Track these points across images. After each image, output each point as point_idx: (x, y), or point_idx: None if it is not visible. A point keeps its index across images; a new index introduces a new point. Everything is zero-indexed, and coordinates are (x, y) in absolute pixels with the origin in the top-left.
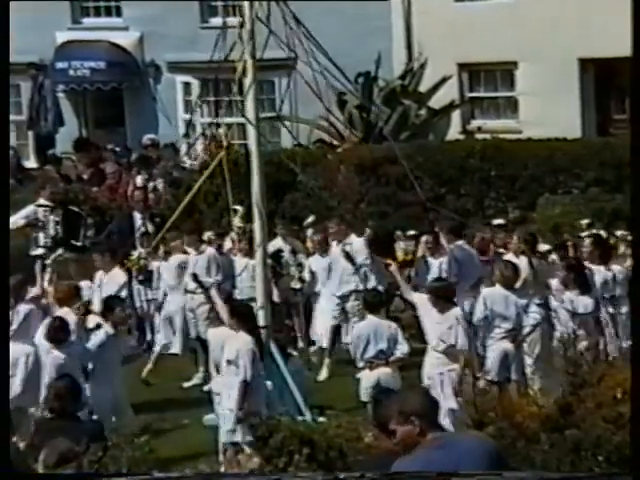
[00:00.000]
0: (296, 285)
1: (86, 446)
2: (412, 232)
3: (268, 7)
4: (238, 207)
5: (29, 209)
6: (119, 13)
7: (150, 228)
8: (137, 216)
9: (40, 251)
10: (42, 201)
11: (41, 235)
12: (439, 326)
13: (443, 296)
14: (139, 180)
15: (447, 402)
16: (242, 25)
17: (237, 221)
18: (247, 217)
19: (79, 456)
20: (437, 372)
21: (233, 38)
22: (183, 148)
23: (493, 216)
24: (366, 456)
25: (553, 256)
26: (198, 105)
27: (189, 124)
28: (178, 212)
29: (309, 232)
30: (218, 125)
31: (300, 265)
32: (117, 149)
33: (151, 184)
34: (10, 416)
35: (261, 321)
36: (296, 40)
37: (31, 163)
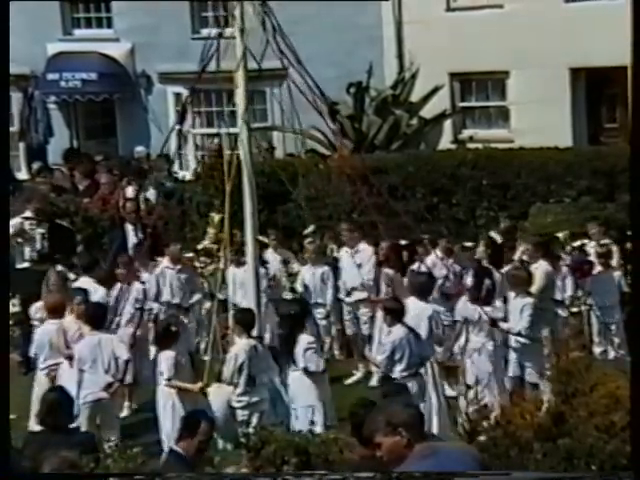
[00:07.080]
0: (287, 296)
1: (78, 458)
2: (403, 242)
3: (263, 20)
4: (215, 215)
5: (15, 221)
6: (110, 24)
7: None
8: (129, 227)
9: (26, 265)
10: (28, 214)
11: (27, 249)
12: None
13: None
14: (130, 191)
15: None
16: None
17: (212, 230)
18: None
19: (80, 468)
20: None
21: (224, 49)
22: (175, 159)
23: (485, 225)
24: (349, 465)
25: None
26: (181, 113)
27: (180, 134)
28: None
29: (306, 240)
30: (216, 135)
31: (291, 276)
32: (109, 160)
33: (142, 195)
34: (9, 418)
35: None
36: (280, 52)
37: (22, 174)
